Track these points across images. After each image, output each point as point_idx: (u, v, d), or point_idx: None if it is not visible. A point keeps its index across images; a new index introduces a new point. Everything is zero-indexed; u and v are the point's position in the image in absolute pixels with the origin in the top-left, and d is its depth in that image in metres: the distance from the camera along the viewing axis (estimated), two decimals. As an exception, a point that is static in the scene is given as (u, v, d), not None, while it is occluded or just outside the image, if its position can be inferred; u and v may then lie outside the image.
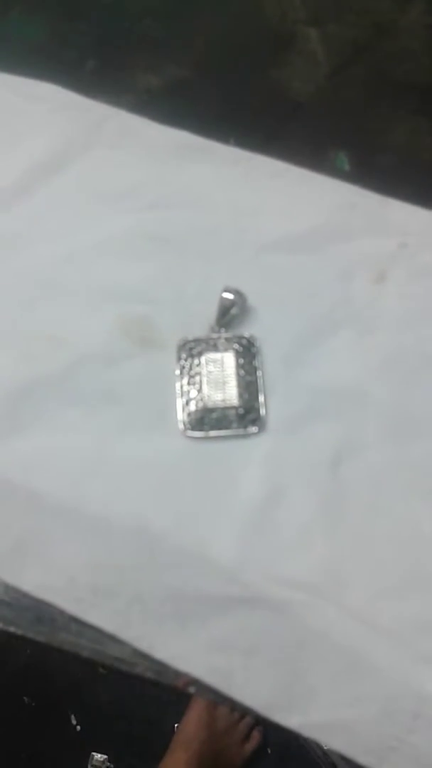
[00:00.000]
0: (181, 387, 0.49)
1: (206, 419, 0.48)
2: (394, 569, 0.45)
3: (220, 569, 0.45)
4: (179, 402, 0.49)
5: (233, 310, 0.51)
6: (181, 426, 0.49)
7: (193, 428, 0.48)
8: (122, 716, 1.21)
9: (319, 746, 1.14)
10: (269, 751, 1.19)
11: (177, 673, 0.43)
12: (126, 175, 0.56)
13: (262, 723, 1.19)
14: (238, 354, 0.50)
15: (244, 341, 0.50)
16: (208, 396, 0.49)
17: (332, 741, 0.44)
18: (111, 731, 1.20)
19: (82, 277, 0.53)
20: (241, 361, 0.50)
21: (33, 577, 0.45)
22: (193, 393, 0.49)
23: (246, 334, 0.51)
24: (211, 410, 0.49)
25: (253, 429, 0.48)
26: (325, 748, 1.13)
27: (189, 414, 0.49)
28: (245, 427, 0.48)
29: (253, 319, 0.52)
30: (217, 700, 0.43)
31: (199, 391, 0.49)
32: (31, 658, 1.25)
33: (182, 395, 0.49)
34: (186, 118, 0.56)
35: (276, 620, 0.44)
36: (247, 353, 0.50)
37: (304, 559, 0.45)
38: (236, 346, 0.50)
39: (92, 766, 1.18)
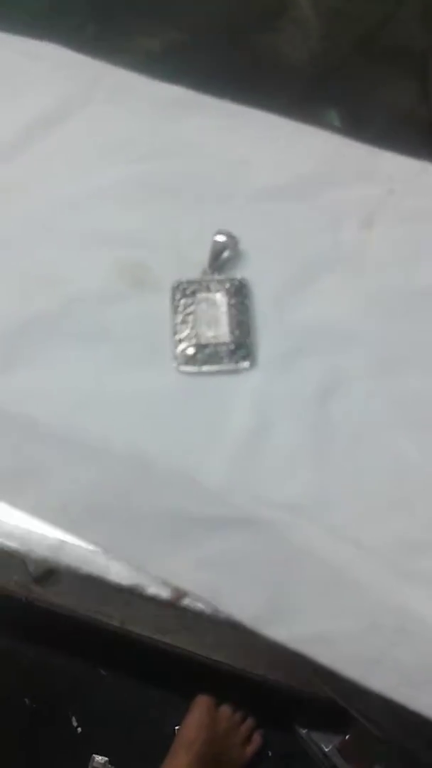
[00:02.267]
0: (175, 325, 0.52)
1: (198, 355, 0.51)
2: (379, 493, 0.47)
3: (209, 492, 0.47)
4: (172, 339, 0.52)
5: (225, 253, 0.53)
6: (174, 362, 0.51)
7: (186, 363, 0.51)
8: (123, 718, 1.21)
9: (320, 748, 1.14)
10: (270, 754, 1.18)
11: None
12: (122, 128, 0.59)
13: (263, 727, 1.19)
14: (230, 294, 0.53)
15: (236, 283, 0.53)
16: (200, 333, 0.51)
17: (318, 654, 0.45)
18: (112, 733, 1.20)
19: (78, 223, 0.55)
20: (233, 301, 0.52)
21: (30, 500, 0.46)
22: (186, 331, 0.51)
23: (238, 276, 0.54)
24: (204, 346, 0.51)
25: (245, 364, 0.51)
26: (326, 750, 1.12)
27: (182, 350, 0.51)
28: (236, 362, 0.50)
29: (245, 262, 0.54)
30: (209, 611, 0.44)
31: (192, 328, 0.51)
32: (34, 661, 1.25)
33: (175, 333, 0.52)
34: (182, 80, 0.59)
35: (262, 539, 0.46)
36: (239, 294, 0.53)
37: (290, 484, 0.47)
38: (228, 286, 0.53)
39: (93, 767, 1.17)
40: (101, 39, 0.62)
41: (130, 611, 1.06)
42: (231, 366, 0.50)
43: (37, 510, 0.46)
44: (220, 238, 0.53)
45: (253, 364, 0.51)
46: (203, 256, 0.53)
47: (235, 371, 0.50)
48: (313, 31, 0.61)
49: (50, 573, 1.06)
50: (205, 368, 0.50)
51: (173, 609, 1.05)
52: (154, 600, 1.05)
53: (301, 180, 0.56)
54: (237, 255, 0.54)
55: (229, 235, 0.53)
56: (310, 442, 0.48)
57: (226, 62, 0.61)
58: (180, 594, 0.45)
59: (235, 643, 1.04)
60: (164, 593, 0.45)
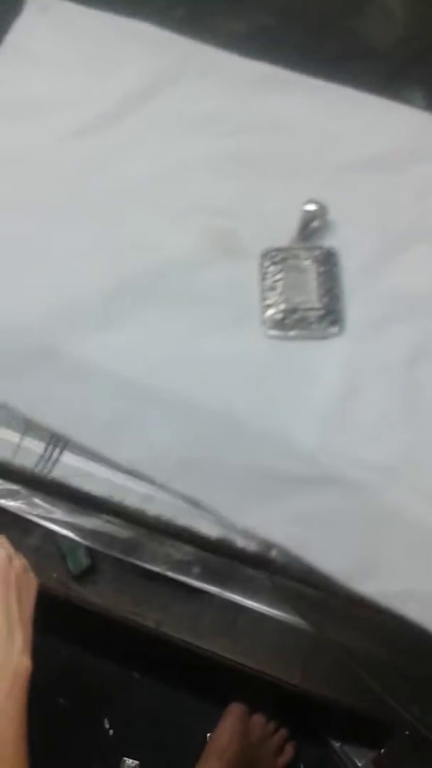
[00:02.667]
0: (263, 291, 0.52)
1: (287, 320, 0.51)
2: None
3: (300, 452, 0.48)
4: (261, 304, 0.52)
5: (315, 223, 0.54)
6: (262, 326, 0.51)
7: (275, 328, 0.51)
8: (155, 723, 1.20)
9: (353, 763, 1.12)
10: (302, 766, 1.17)
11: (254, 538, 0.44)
12: (212, 102, 0.61)
13: (296, 738, 1.17)
14: (318, 262, 0.53)
15: (324, 252, 0.54)
16: (289, 299, 0.52)
17: (406, 609, 0.45)
18: (143, 737, 1.20)
19: (170, 193, 0.57)
20: (322, 269, 0.53)
21: (126, 452, 0.47)
22: (275, 297, 0.52)
23: (326, 246, 0.54)
24: (292, 312, 0.51)
25: (333, 330, 0.51)
26: (359, 765, 1.10)
27: (270, 315, 0.52)
28: (325, 328, 0.51)
29: (333, 232, 0.55)
30: (296, 565, 0.44)
31: (281, 294, 0.52)
32: (68, 661, 1.25)
33: (264, 299, 0.52)
34: (268, 61, 0.61)
35: (353, 498, 0.46)
36: (328, 262, 0.53)
37: (380, 446, 0.47)
38: (317, 254, 0.54)
39: (123, 771, 1.17)
40: (189, 21, 0.64)
41: (167, 613, 1.06)
42: (320, 331, 0.51)
43: (131, 461, 0.47)
44: (310, 207, 0.53)
45: (341, 330, 0.51)
46: (291, 226, 0.54)
47: (324, 337, 0.51)
48: (400, 18, 0.62)
49: (89, 571, 1.07)
50: (293, 333, 0.51)
51: (210, 610, 1.05)
52: (191, 603, 1.05)
53: (389, 154, 0.57)
54: (325, 225, 0.55)
55: (319, 204, 0.53)
56: (400, 405, 0.49)
57: (312, 45, 0.63)
58: (268, 545, 0.45)
59: (270, 650, 1.03)
60: (252, 546, 0.45)
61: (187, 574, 0.49)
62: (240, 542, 0.43)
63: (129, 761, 1.17)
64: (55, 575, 1.10)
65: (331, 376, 0.50)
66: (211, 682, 1.16)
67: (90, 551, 1.10)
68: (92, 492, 0.49)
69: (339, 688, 1.02)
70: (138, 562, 0.49)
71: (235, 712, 1.15)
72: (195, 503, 0.45)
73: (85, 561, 1.08)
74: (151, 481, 0.44)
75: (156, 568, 0.49)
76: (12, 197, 0.56)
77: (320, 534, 0.45)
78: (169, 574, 0.49)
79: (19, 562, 0.81)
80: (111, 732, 1.20)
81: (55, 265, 0.54)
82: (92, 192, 0.57)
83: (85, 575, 1.09)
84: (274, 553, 0.41)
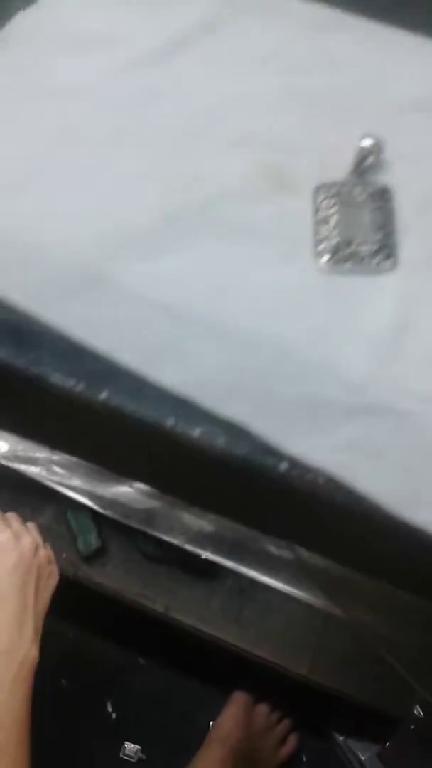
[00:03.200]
0: (316, 225, 0.52)
1: (340, 254, 0.50)
2: None
3: (350, 382, 0.47)
4: (313, 239, 0.52)
5: (370, 159, 0.53)
6: (315, 259, 0.51)
7: (327, 262, 0.51)
8: (158, 708, 1.20)
9: (356, 757, 1.11)
10: (304, 759, 1.16)
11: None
12: (270, 40, 0.62)
13: (299, 729, 1.17)
14: (373, 198, 0.53)
15: (379, 188, 0.53)
16: (342, 233, 0.51)
17: None
18: (146, 722, 1.19)
19: (224, 127, 0.57)
20: (376, 205, 0.52)
21: (173, 376, 0.47)
22: (328, 231, 0.52)
23: (381, 183, 0.54)
24: (345, 246, 0.51)
25: (387, 264, 0.50)
26: (363, 758, 1.10)
27: (322, 249, 0.51)
28: (378, 263, 0.50)
29: (388, 170, 0.55)
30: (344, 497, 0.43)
31: (333, 228, 0.52)
32: (74, 642, 1.25)
33: (316, 233, 0.52)
34: (326, 4, 0.61)
35: (404, 429, 0.45)
36: (382, 198, 0.53)
37: None
38: (371, 191, 0.53)
39: (125, 755, 1.16)
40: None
41: (175, 597, 1.05)
42: (372, 266, 0.50)
43: (178, 385, 0.46)
44: (366, 143, 0.53)
45: (395, 265, 0.51)
46: (346, 162, 0.54)
47: (377, 272, 0.50)
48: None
49: (99, 553, 1.07)
50: (345, 266, 0.50)
51: (218, 596, 1.04)
52: (199, 589, 1.04)
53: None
54: (381, 162, 0.54)
55: (376, 140, 0.53)
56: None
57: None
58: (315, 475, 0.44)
59: (279, 639, 1.02)
60: (295, 471, 0.44)
61: (204, 547, 0.48)
62: (284, 466, 0.42)
63: (130, 746, 1.16)
64: (64, 555, 1.09)
65: (384, 309, 0.50)
66: (216, 669, 1.16)
67: (101, 534, 1.10)
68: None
69: (347, 681, 1.01)
70: (155, 533, 0.48)
71: (239, 700, 1.14)
72: (243, 426, 0.44)
73: (95, 542, 1.08)
74: (198, 406, 0.43)
75: (174, 540, 0.48)
76: (69, 126, 0.58)
77: (369, 463, 0.44)
78: (187, 546, 0.48)
79: (45, 552, 0.81)
80: (114, 716, 1.20)
81: (106, 193, 0.55)
82: (147, 123, 0.58)
83: (95, 557, 1.09)
84: (321, 481, 0.40)
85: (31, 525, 0.84)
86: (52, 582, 0.80)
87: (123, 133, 0.58)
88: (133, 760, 1.16)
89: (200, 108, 0.58)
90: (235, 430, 0.40)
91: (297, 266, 0.51)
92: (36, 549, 0.78)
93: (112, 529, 1.10)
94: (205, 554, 0.46)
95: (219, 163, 0.55)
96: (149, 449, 0.41)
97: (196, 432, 0.39)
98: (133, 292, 0.49)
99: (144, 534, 1.06)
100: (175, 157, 0.56)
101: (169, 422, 0.39)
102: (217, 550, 0.45)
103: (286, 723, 1.15)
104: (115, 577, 1.07)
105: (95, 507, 0.51)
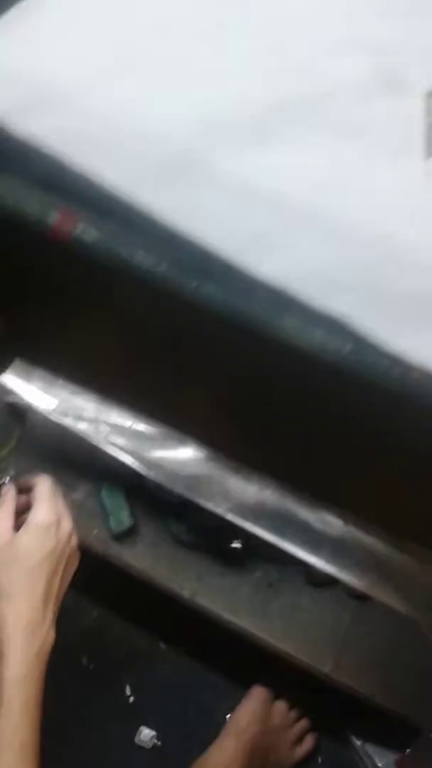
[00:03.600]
0: (428, 127, 0.51)
1: None
2: None
3: None
4: (425, 140, 0.51)
5: None
6: (426, 161, 0.50)
7: None
8: (176, 696, 1.19)
9: (373, 763, 1.09)
10: (320, 761, 1.14)
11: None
12: None
13: (317, 731, 1.15)
14: None
15: None
16: None
17: None
18: (163, 709, 1.19)
19: (335, 25, 0.56)
20: None
21: (271, 265, 0.46)
22: None
23: None
24: None
25: None
26: (379, 765, 1.08)
27: None
28: None
29: None
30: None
31: None
32: (97, 621, 1.25)
33: (428, 135, 0.51)
34: None
35: None
36: None
37: None
38: None
39: (139, 740, 1.16)
40: None
41: (203, 584, 1.05)
42: None
43: (276, 275, 0.45)
44: None
45: None
46: None
47: None
48: None
49: (130, 533, 1.07)
50: None
51: (246, 587, 1.03)
52: (228, 578, 1.03)
53: None
54: None
55: None
56: None
57: None
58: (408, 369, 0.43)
59: (304, 635, 1.01)
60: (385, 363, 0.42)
61: (246, 517, 0.46)
62: (385, 364, 0.40)
63: (146, 731, 1.16)
64: (95, 532, 1.09)
65: None
66: (238, 661, 1.15)
67: (133, 514, 1.09)
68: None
69: (369, 683, 1.00)
70: (199, 500, 0.47)
71: (257, 694, 1.13)
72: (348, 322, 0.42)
73: (127, 521, 1.07)
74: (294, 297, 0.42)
75: (216, 509, 0.47)
76: (171, 15, 0.57)
77: None
78: (229, 516, 0.47)
79: (75, 539, 0.81)
80: (131, 699, 1.19)
81: (211, 81, 0.54)
82: (253, 16, 0.58)
83: (126, 536, 1.09)
84: (415, 375, 0.38)
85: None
86: (74, 568, 0.82)
87: (229, 24, 0.57)
88: (148, 746, 1.16)
89: (305, 9, 0.57)
90: (335, 326, 0.38)
91: (408, 166, 0.50)
92: (71, 536, 0.79)
93: (145, 510, 1.10)
94: (246, 525, 0.44)
95: (329, 61, 0.54)
96: (236, 349, 0.38)
97: (290, 325, 0.36)
98: (236, 181, 0.47)
99: (177, 517, 1.06)
100: (282, 51, 0.55)
101: (263, 315, 0.36)
102: (258, 522, 0.43)
103: (304, 722, 1.14)
104: (143, 559, 1.07)
105: (139, 468, 0.50)
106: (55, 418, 0.87)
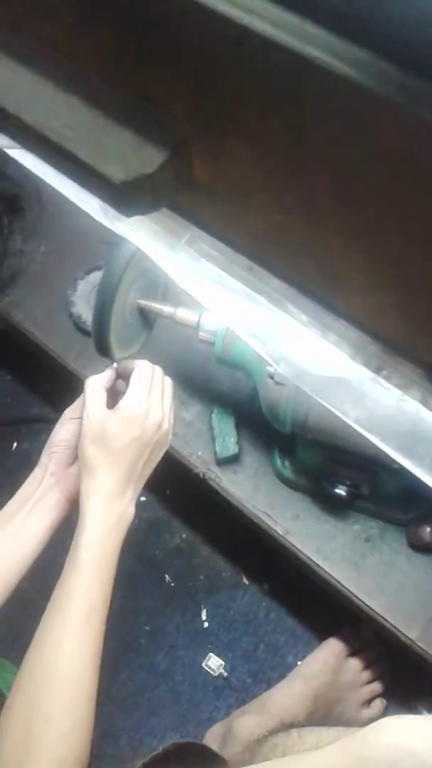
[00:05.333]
0: None
1: None
2: None
3: None
4: None
5: None
6: None
7: None
8: (251, 632, 1.18)
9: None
10: (386, 727, 1.11)
11: None
12: None
13: (387, 695, 1.11)
14: None
15: None
16: None
17: None
18: (235, 642, 1.18)
19: None
20: None
21: None
22: None
23: None
24: None
25: None
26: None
27: None
28: None
29: None
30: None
31: None
32: (186, 542, 1.25)
33: None
34: None
35: None
36: None
37: None
38: None
39: (207, 665, 1.16)
40: None
41: (298, 524, 1.02)
42: None
43: None
44: None
45: None
46: None
47: None
48: None
49: (234, 460, 1.05)
50: None
51: (343, 536, 0.99)
52: (326, 524, 1.00)
53: None
54: None
55: None
56: None
57: None
58: None
59: (396, 597, 0.97)
60: None
61: (375, 430, 0.42)
62: None
63: (215, 659, 1.16)
64: (199, 453, 1.08)
65: None
66: (320, 611, 1.12)
67: (240, 442, 1.08)
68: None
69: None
70: (327, 404, 0.43)
71: (333, 646, 1.10)
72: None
73: (233, 448, 1.06)
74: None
75: (345, 415, 0.43)
76: None
77: None
78: (355, 426, 0.43)
79: (166, 427, 0.81)
80: (206, 625, 1.19)
81: None
82: None
83: (229, 463, 1.07)
84: None
85: (167, 380, 0.84)
86: (162, 453, 0.83)
87: None
88: (214, 673, 1.16)
89: None
90: None
91: None
92: (159, 426, 0.79)
93: (252, 441, 1.08)
94: (372, 438, 0.40)
95: None
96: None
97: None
98: None
99: (283, 453, 1.04)
100: None
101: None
102: (385, 439, 0.40)
103: (376, 685, 1.10)
104: (243, 488, 1.05)
105: (267, 357, 0.47)
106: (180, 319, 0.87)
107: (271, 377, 0.82)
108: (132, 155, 0.32)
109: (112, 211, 0.44)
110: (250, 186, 0.35)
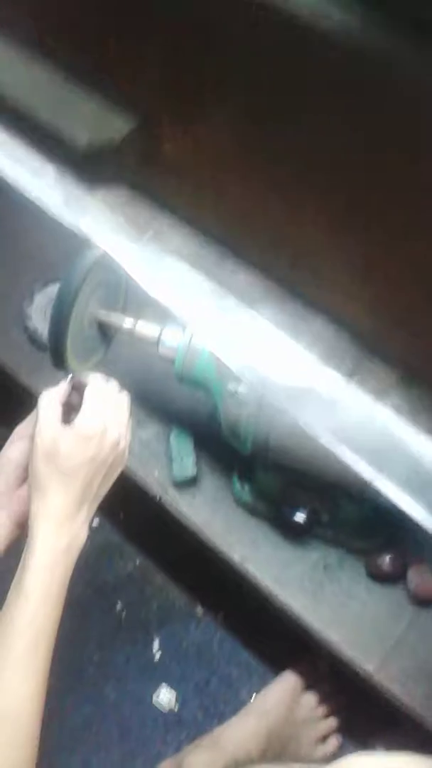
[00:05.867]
0: None
1: None
2: None
3: None
4: None
5: None
6: None
7: None
8: (204, 664, 1.14)
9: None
10: (341, 765, 1.07)
11: None
12: None
13: (343, 732, 1.07)
14: None
15: None
16: None
17: None
18: (188, 674, 1.13)
19: None
20: None
21: None
22: None
23: None
24: None
25: None
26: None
27: None
28: None
29: None
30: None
31: None
32: (139, 569, 1.21)
33: None
34: None
35: None
36: None
37: None
38: None
39: (157, 699, 1.11)
40: None
41: (256, 551, 0.99)
42: None
43: None
44: None
45: None
46: None
47: None
48: None
49: (191, 483, 1.01)
50: None
51: (301, 565, 0.96)
52: (284, 551, 0.97)
53: None
54: None
55: None
56: None
57: None
58: None
59: (354, 627, 0.94)
60: None
61: (346, 442, 0.39)
62: None
63: (166, 691, 1.11)
64: (156, 474, 1.05)
65: None
66: (275, 642, 1.08)
67: (198, 464, 1.04)
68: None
69: (413, 695, 0.92)
70: (294, 416, 0.40)
71: (288, 680, 1.06)
72: None
73: (191, 470, 1.02)
74: None
75: (314, 427, 0.40)
76: None
77: None
78: (325, 437, 0.40)
79: (123, 446, 0.78)
80: (157, 656, 1.14)
81: None
82: None
83: (186, 486, 1.03)
84: None
85: (123, 396, 0.80)
86: (117, 473, 0.80)
87: None
88: (164, 708, 1.11)
89: None
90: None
91: None
92: (116, 445, 0.75)
93: (210, 464, 1.05)
94: (341, 450, 0.37)
95: None
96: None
97: None
98: None
99: (242, 477, 1.00)
100: None
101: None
102: (356, 450, 0.37)
103: (332, 721, 1.06)
104: (200, 512, 1.02)
105: (235, 370, 0.43)
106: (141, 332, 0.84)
107: (233, 395, 0.79)
108: (97, 122, 0.29)
109: (74, 204, 0.41)
110: (225, 165, 0.32)
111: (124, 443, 0.79)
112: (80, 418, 0.74)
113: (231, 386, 0.79)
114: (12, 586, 0.70)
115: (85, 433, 0.73)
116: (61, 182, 0.41)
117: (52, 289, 1.16)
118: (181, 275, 0.42)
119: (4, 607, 0.69)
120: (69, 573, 0.73)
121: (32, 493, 0.72)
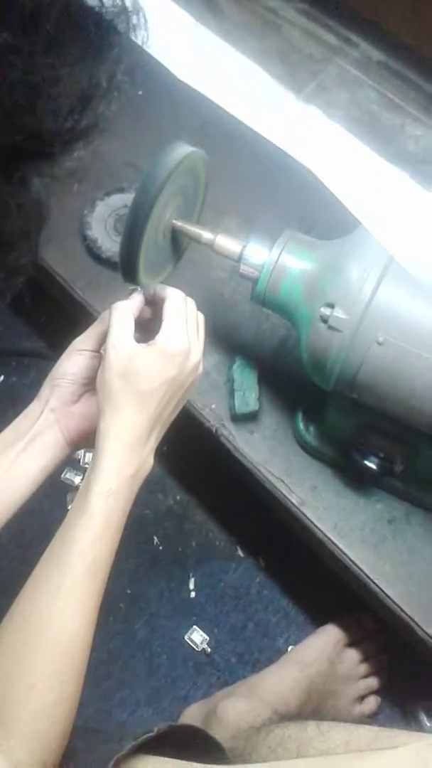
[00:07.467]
0: None
1: None
2: None
3: None
4: None
5: None
6: None
7: None
8: (241, 608, 1.09)
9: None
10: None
11: None
12: None
13: (383, 693, 1.02)
14: None
15: None
16: None
17: None
18: (223, 616, 1.08)
19: None
20: None
21: None
22: None
23: None
24: None
25: None
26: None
27: None
28: None
29: None
30: None
31: None
32: (180, 504, 1.15)
33: None
34: None
35: None
36: None
37: None
38: None
39: (189, 639, 1.06)
40: None
41: (315, 496, 0.92)
42: None
43: None
44: None
45: None
46: None
47: None
48: None
49: (252, 417, 0.95)
50: None
51: (365, 515, 0.90)
52: (348, 499, 0.90)
53: None
54: None
55: None
56: None
57: None
58: None
59: (415, 586, 0.88)
60: None
61: None
62: None
63: (199, 631, 1.05)
64: (213, 406, 0.98)
65: None
66: (321, 593, 1.03)
67: (261, 399, 0.97)
68: None
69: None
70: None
71: (332, 633, 1.01)
72: None
73: (253, 404, 0.95)
74: None
75: None
76: None
77: None
78: None
79: (200, 371, 0.71)
80: (193, 595, 1.09)
81: None
82: None
83: (246, 420, 0.96)
84: None
85: (201, 317, 0.73)
86: (187, 399, 0.73)
87: None
88: (197, 648, 1.06)
89: None
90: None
91: None
92: (197, 368, 0.69)
93: (274, 400, 0.98)
94: None
95: None
96: None
97: None
98: None
99: (307, 417, 0.93)
100: None
101: None
102: None
103: (373, 680, 1.01)
104: (258, 450, 0.95)
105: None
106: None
107: (325, 321, 0.71)
108: None
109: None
110: None
111: (201, 368, 0.72)
112: (163, 335, 0.67)
113: (324, 309, 0.71)
114: (74, 506, 0.64)
115: (171, 351, 0.66)
116: None
117: (116, 200, 1.08)
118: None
119: (63, 527, 0.64)
120: (131, 501, 0.67)
121: (105, 409, 0.65)
